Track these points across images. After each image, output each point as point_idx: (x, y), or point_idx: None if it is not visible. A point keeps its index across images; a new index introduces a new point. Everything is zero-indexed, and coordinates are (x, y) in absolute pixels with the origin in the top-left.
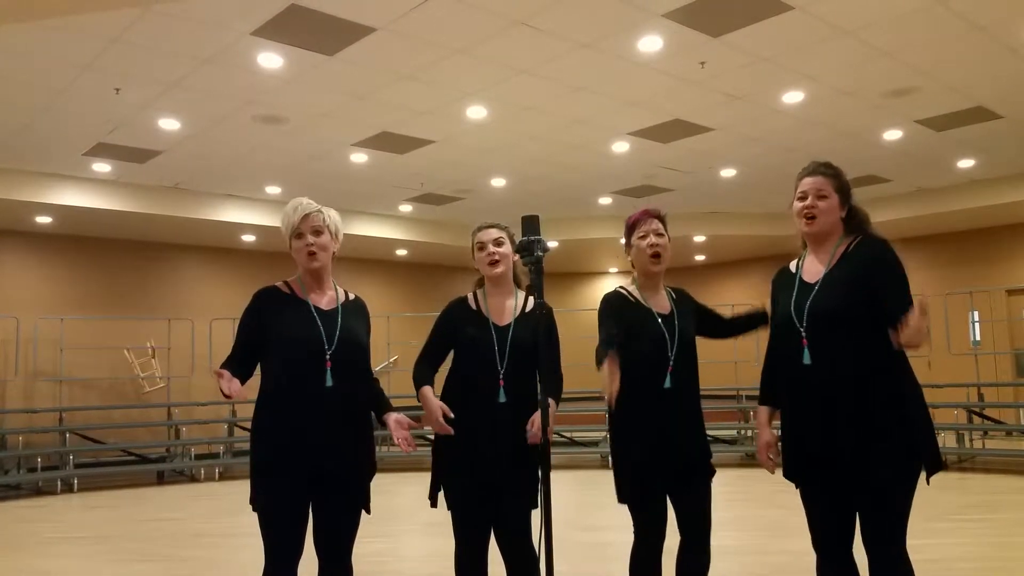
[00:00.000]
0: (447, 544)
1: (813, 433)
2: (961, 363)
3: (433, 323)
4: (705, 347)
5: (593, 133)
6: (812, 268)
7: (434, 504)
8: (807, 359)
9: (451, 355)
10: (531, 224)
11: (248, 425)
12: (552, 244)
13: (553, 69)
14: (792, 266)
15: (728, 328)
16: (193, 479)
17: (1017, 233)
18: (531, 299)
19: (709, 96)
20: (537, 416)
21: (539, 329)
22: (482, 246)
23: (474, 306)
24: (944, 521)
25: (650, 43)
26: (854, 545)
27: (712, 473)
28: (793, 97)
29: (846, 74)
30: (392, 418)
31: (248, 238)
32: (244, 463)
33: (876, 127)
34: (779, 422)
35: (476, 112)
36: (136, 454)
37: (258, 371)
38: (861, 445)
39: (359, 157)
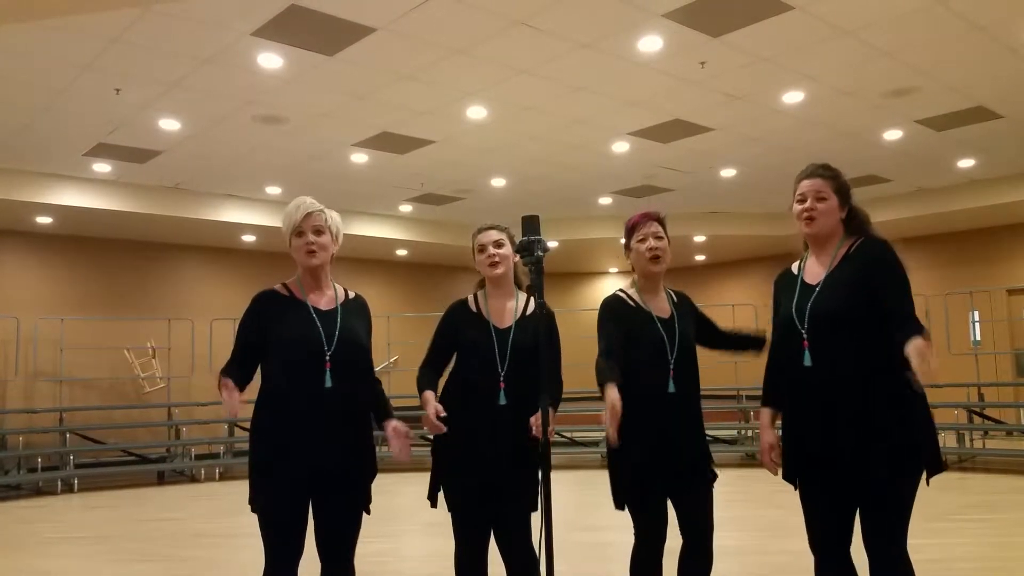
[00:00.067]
0: (447, 544)
1: (814, 434)
2: (961, 363)
3: (435, 326)
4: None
5: (593, 133)
6: (813, 270)
7: (434, 504)
8: (807, 361)
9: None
10: (531, 224)
11: (248, 425)
12: (552, 244)
13: (553, 69)
14: (794, 268)
15: (723, 341)
16: (193, 479)
17: (1017, 233)
18: (532, 300)
19: (709, 96)
20: (538, 414)
21: (539, 330)
22: (482, 248)
23: (475, 308)
24: (944, 521)
25: (650, 43)
26: (853, 546)
27: (714, 477)
28: (793, 97)
29: (846, 74)
30: (391, 426)
31: (248, 238)
32: (244, 463)
33: (876, 127)
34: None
35: (476, 112)
36: (136, 454)
37: (258, 372)
38: (862, 445)
39: (359, 157)
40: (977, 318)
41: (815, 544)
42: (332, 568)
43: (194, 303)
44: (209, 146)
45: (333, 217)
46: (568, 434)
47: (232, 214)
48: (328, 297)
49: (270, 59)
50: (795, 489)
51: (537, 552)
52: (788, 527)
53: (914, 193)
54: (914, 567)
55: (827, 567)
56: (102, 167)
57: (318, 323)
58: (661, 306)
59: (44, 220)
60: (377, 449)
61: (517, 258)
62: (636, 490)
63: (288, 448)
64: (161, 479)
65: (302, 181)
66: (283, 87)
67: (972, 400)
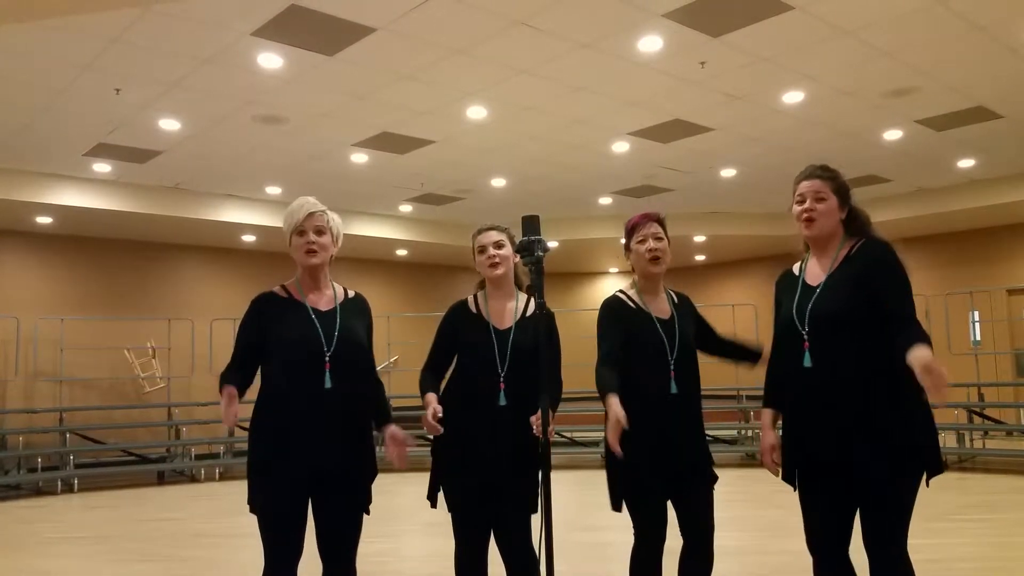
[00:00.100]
0: (447, 544)
1: (814, 435)
2: (961, 363)
3: (435, 326)
4: None
5: (593, 133)
6: (814, 271)
7: (434, 504)
8: (808, 362)
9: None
10: (531, 224)
11: (248, 425)
12: (552, 244)
13: (553, 69)
14: (795, 269)
15: (718, 348)
16: (193, 479)
17: (1017, 233)
18: (532, 301)
19: (709, 96)
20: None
21: (539, 330)
22: (482, 249)
23: (474, 309)
24: (944, 521)
25: (650, 43)
26: (853, 546)
27: (714, 479)
28: (793, 97)
29: (846, 74)
30: (388, 432)
31: (248, 238)
32: (244, 463)
33: (876, 127)
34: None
35: (476, 112)
36: (136, 454)
37: (258, 372)
38: (862, 446)
39: (359, 157)
40: (977, 318)
41: (813, 545)
42: (334, 570)
43: (194, 303)
44: (209, 146)
45: (335, 219)
46: (568, 434)
47: (232, 214)
48: (327, 297)
49: (270, 59)
50: (795, 490)
51: (537, 552)
52: (788, 527)
53: (914, 193)
54: (914, 567)
55: (826, 568)
56: (102, 167)
57: (317, 324)
58: (661, 307)
59: (44, 220)
60: (377, 449)
61: (517, 258)
62: (636, 490)
63: (287, 448)
64: (161, 479)
65: (302, 181)
66: (283, 87)
67: (972, 400)
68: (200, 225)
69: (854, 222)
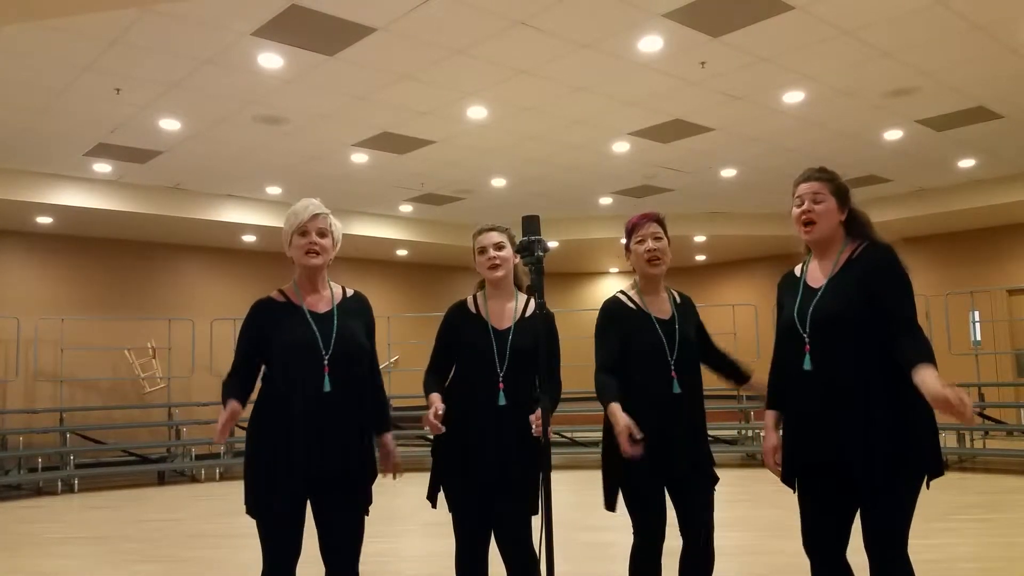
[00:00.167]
0: (447, 544)
1: (814, 437)
2: (962, 363)
3: (435, 326)
4: None
5: (593, 133)
6: (816, 273)
7: (434, 504)
8: (808, 365)
9: None
10: (531, 224)
11: (247, 426)
12: (552, 244)
13: (553, 69)
14: (796, 270)
15: (710, 360)
16: (194, 479)
17: (1017, 233)
18: (531, 301)
19: (709, 96)
20: (539, 410)
21: (539, 329)
22: (483, 249)
23: (473, 309)
24: (944, 521)
25: (650, 43)
26: (852, 547)
27: (715, 480)
28: (793, 97)
29: (846, 74)
30: (382, 444)
31: (248, 238)
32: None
33: (876, 127)
34: None
35: (476, 112)
36: (137, 454)
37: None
38: (863, 449)
39: (359, 157)
40: (977, 318)
41: (811, 547)
42: (337, 573)
43: (194, 303)
44: (209, 146)
45: (337, 223)
46: (568, 434)
47: (232, 214)
48: (325, 299)
49: (270, 59)
50: (794, 492)
51: (537, 552)
52: (788, 527)
53: (914, 193)
54: (914, 567)
55: (824, 571)
56: (102, 167)
57: (314, 327)
58: (662, 307)
59: (44, 220)
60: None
61: (518, 259)
62: (636, 490)
63: (287, 450)
64: (161, 479)
65: (302, 181)
66: (283, 87)
67: (972, 400)
68: (200, 225)
69: (854, 224)
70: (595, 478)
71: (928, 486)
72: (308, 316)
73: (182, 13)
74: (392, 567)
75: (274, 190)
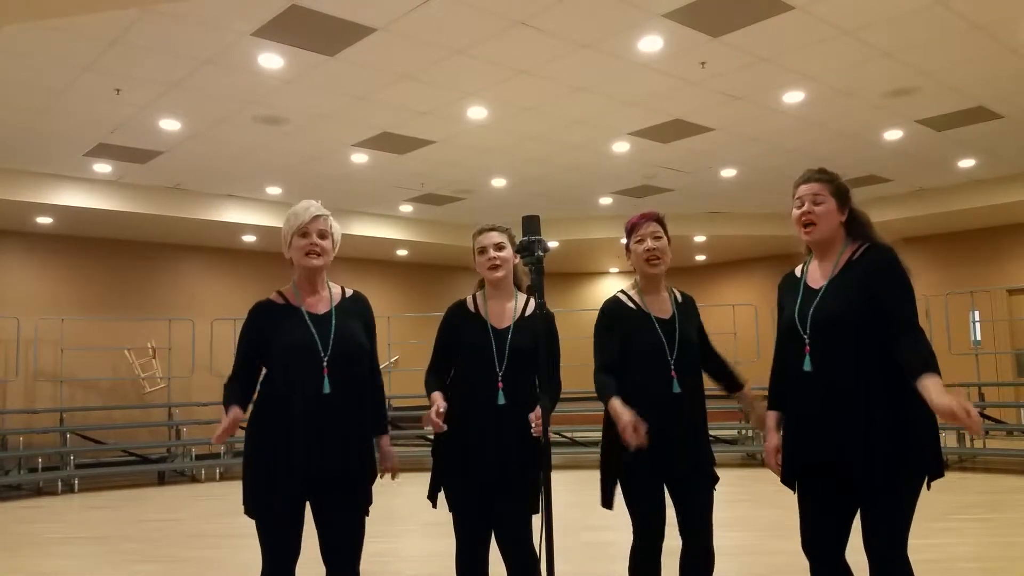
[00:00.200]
0: (447, 544)
1: (814, 439)
2: (962, 363)
3: (435, 326)
4: None
5: (593, 133)
6: (816, 274)
7: (434, 504)
8: (807, 366)
9: None
10: (531, 224)
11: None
12: (552, 244)
13: (553, 69)
14: (797, 271)
15: (706, 362)
16: (194, 479)
17: (1017, 233)
18: (531, 301)
19: (709, 96)
20: (538, 409)
21: (539, 329)
22: (483, 250)
23: (473, 309)
24: (944, 521)
25: (650, 43)
26: (851, 547)
27: (715, 480)
28: (793, 97)
29: (846, 74)
30: (380, 446)
31: (249, 238)
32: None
33: (876, 127)
34: None
35: (476, 112)
36: (137, 454)
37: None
38: (863, 450)
39: (359, 157)
40: (977, 318)
41: (810, 548)
42: (338, 573)
43: (194, 303)
44: (209, 146)
45: (336, 226)
46: (568, 434)
47: (232, 214)
48: (324, 300)
49: (270, 59)
50: (794, 493)
51: (537, 552)
52: (788, 527)
53: (914, 193)
54: (914, 567)
55: (823, 571)
56: (102, 167)
57: (312, 328)
58: (662, 307)
59: (44, 220)
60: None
61: (518, 259)
62: (636, 490)
63: (286, 451)
64: (161, 479)
65: (302, 181)
66: (283, 87)
67: (972, 400)
68: (200, 225)
69: (855, 224)
70: (595, 478)
71: (928, 487)
72: (307, 318)
73: (182, 13)
74: (392, 567)
75: (274, 190)
